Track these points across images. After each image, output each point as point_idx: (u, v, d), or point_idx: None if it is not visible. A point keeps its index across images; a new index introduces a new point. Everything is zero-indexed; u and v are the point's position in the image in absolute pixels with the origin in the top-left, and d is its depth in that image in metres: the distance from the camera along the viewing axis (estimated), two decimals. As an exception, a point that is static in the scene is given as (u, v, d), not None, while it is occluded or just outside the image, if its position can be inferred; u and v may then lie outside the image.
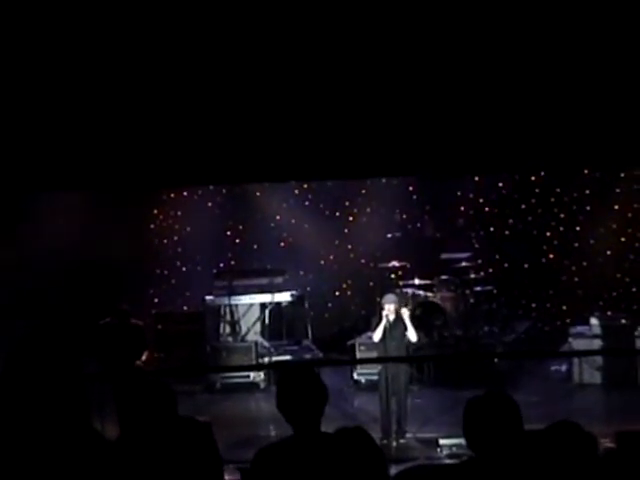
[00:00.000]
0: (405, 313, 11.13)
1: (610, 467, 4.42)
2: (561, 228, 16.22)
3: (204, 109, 7.81)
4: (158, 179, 8.81)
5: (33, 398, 4.07)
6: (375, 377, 12.00)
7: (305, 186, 16.50)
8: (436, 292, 14.90)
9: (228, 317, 15.55)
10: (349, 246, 16.62)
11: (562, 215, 16.18)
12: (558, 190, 16.09)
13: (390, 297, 11.30)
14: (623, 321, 13.81)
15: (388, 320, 10.95)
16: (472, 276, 15.19)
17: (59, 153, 7.84)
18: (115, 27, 7.41)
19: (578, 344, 13.73)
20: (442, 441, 10.24)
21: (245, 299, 15.31)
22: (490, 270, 15.95)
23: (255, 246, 16.55)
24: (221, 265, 16.50)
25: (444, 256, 15.48)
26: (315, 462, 4.43)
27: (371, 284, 15.80)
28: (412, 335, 11.06)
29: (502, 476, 4.21)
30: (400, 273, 15.35)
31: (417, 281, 14.93)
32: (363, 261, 16.51)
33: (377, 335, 11.07)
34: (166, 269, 16.59)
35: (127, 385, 4.46)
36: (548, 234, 16.25)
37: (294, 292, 15.34)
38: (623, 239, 15.84)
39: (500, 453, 4.23)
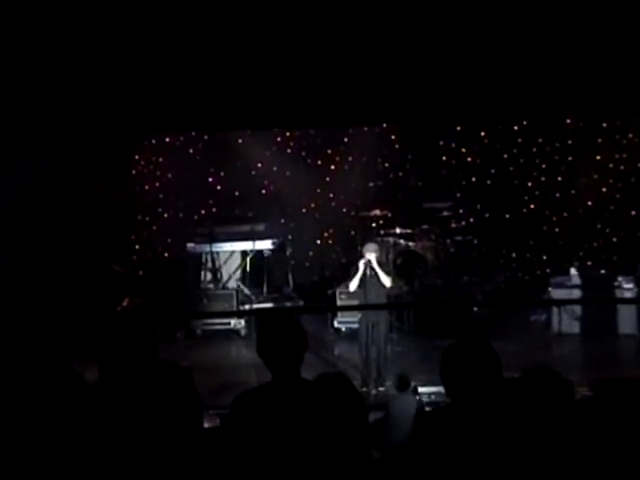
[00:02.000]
0: (373, 259, 11.06)
1: (586, 413, 4.47)
2: (542, 178, 16.22)
3: (189, 57, 7.77)
4: (141, 125, 8.77)
5: (12, 343, 4.06)
6: (355, 325, 12.04)
7: (287, 134, 16.42)
8: (417, 241, 14.94)
9: (209, 264, 15.54)
10: (331, 194, 16.59)
11: (544, 165, 16.18)
12: (540, 140, 16.08)
13: (371, 246, 11.30)
14: (603, 271, 13.90)
15: (371, 267, 10.97)
16: (453, 225, 15.26)
17: (42, 96, 7.80)
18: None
19: (557, 294, 13.81)
20: (421, 389, 10.30)
21: (226, 246, 15.29)
22: (471, 220, 16.00)
23: (236, 193, 16.50)
24: (202, 212, 16.46)
25: (426, 205, 15.50)
26: (293, 407, 4.45)
27: (352, 233, 15.83)
28: (385, 280, 11.04)
29: (479, 422, 4.25)
30: (381, 222, 15.40)
31: (398, 230, 14.97)
32: (344, 210, 16.50)
33: (353, 285, 11.12)
34: (147, 215, 16.54)
35: (108, 330, 4.46)
36: (529, 184, 16.26)
37: (275, 240, 15.32)
38: (604, 190, 15.87)
39: (477, 400, 4.27)
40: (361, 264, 11.00)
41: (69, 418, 4.32)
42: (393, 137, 16.40)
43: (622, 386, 4.96)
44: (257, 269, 15.53)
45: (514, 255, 16.27)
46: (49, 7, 7.37)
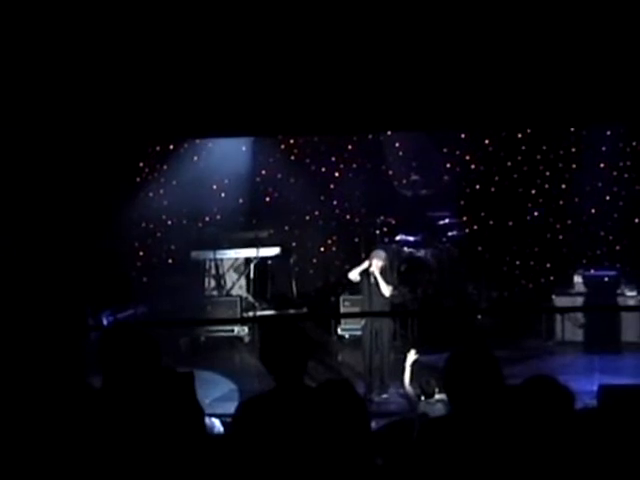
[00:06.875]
0: (376, 268, 11.09)
1: (590, 422, 4.47)
2: (546, 186, 16.20)
3: (194, 62, 7.78)
4: (147, 132, 8.78)
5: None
6: (359, 332, 12.04)
7: (291, 141, 16.42)
8: (421, 249, 14.94)
9: (213, 271, 15.56)
10: (334, 202, 16.57)
11: (547, 173, 16.17)
12: (544, 148, 16.06)
13: (379, 253, 11.31)
14: (606, 279, 13.89)
15: (373, 275, 10.99)
16: (457, 233, 15.24)
17: (46, 103, 7.82)
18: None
19: (561, 301, 13.81)
20: (424, 397, 10.28)
21: (230, 253, 15.31)
22: (475, 227, 15.99)
23: (240, 200, 16.48)
24: (206, 219, 16.44)
25: (429, 213, 15.49)
26: (297, 414, 4.46)
27: (356, 240, 15.83)
28: (385, 290, 11.05)
29: (480, 431, 4.24)
30: (385, 229, 15.39)
31: (402, 237, 14.96)
32: (348, 217, 16.49)
33: (354, 273, 11.14)
34: (151, 222, 16.50)
35: (111, 336, 4.47)
36: (533, 192, 16.24)
37: (279, 247, 15.34)
38: (608, 197, 15.85)
39: (479, 408, 4.27)
40: (372, 267, 11.02)
41: (73, 423, 4.32)
42: (397, 144, 16.38)
43: (628, 394, 4.96)
44: (261, 276, 15.55)
45: (518, 263, 16.24)
46: (59, 19, 7.40)
